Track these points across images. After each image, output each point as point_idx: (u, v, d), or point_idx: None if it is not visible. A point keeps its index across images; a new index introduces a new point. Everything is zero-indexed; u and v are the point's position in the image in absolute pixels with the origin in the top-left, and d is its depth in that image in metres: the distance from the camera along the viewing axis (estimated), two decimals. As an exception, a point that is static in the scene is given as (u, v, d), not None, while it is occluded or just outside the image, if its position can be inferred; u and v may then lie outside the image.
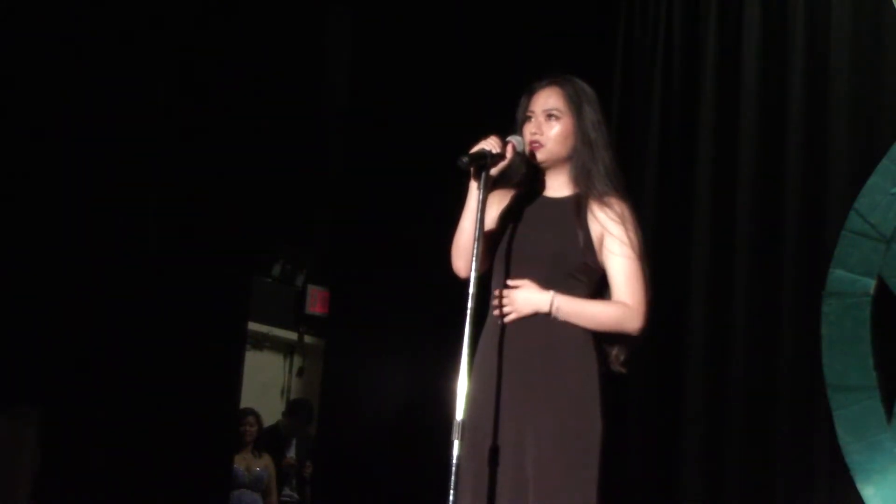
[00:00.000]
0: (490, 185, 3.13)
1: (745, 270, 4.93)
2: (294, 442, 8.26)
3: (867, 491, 4.53)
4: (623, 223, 3.18)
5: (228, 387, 5.52)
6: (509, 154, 3.15)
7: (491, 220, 3.22)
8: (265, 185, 5.70)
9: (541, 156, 3.24)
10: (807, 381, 4.73)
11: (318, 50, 6.15)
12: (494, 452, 3.04)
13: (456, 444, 2.91)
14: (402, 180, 5.47)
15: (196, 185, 5.26)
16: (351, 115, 5.93)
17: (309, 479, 7.56)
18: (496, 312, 3.13)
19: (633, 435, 4.98)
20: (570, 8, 5.43)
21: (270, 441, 8.01)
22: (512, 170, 3.23)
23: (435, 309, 4.63)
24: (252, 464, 7.43)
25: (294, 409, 9.04)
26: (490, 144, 3.12)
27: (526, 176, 3.28)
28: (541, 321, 3.12)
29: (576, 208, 3.20)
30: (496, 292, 3.15)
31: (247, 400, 6.81)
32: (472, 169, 3.10)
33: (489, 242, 3.20)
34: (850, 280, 4.70)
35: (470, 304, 2.98)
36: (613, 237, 3.17)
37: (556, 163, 3.26)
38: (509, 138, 3.20)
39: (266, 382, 10.03)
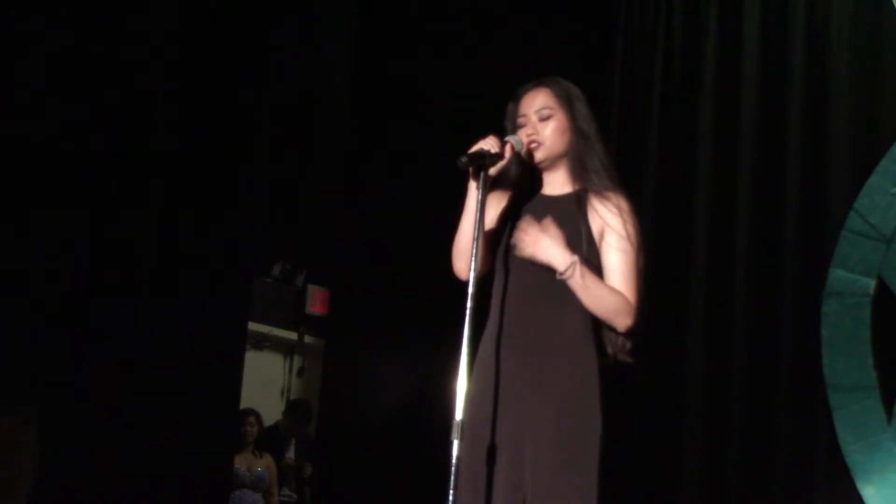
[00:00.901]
0: (489, 185, 3.13)
1: (745, 270, 4.93)
2: (293, 442, 8.26)
3: (867, 491, 4.54)
4: (621, 215, 3.19)
5: (228, 387, 5.52)
6: (508, 154, 3.16)
7: (490, 221, 3.23)
8: (265, 184, 5.70)
9: (540, 155, 3.24)
10: (807, 381, 4.73)
11: (318, 50, 6.15)
12: (492, 451, 3.04)
13: (455, 444, 2.91)
14: (402, 180, 5.47)
15: (196, 185, 5.26)
16: (351, 115, 5.93)
17: (308, 479, 7.56)
18: (513, 241, 3.09)
19: (633, 435, 4.98)
20: (570, 8, 5.43)
21: (270, 441, 8.00)
22: (510, 170, 3.23)
23: (435, 309, 4.62)
24: (253, 464, 7.43)
25: (293, 409, 9.04)
26: (489, 144, 3.12)
27: (523, 175, 3.29)
28: (541, 320, 3.11)
29: (577, 205, 3.21)
30: (522, 224, 3.10)
31: (247, 400, 6.81)
32: (470, 169, 3.10)
33: (489, 243, 3.20)
34: (850, 280, 4.70)
35: (469, 305, 2.98)
36: (612, 230, 3.18)
37: (555, 160, 3.26)
38: (508, 138, 3.20)
39: (266, 382, 10.03)
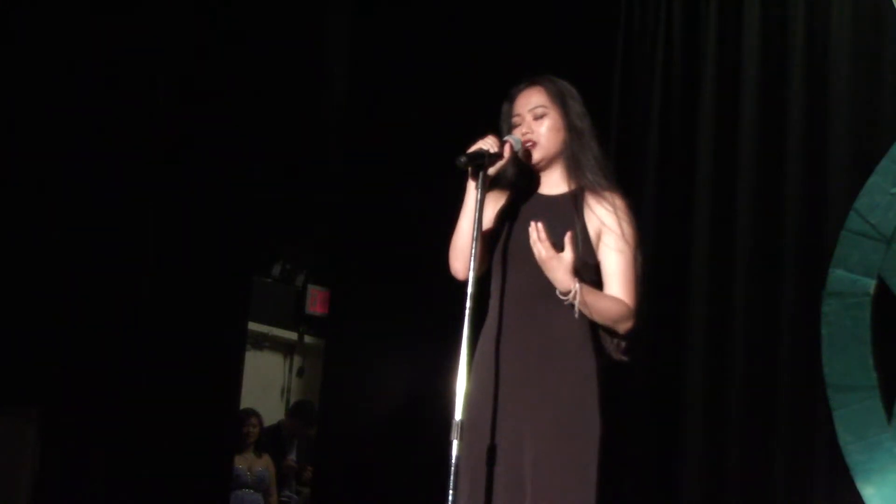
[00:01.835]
0: (487, 185, 3.13)
1: (745, 270, 4.93)
2: (295, 444, 8.25)
3: (867, 491, 4.53)
4: (617, 214, 3.19)
5: (228, 387, 5.53)
6: (507, 153, 3.16)
7: (488, 220, 3.23)
8: (265, 185, 5.70)
9: (537, 154, 3.25)
10: (807, 381, 4.73)
11: (318, 50, 6.15)
12: (492, 452, 3.04)
13: (455, 444, 2.91)
14: (402, 180, 5.47)
15: (196, 185, 5.26)
16: (351, 115, 5.93)
17: (309, 482, 7.55)
18: (532, 237, 3.06)
19: (632, 435, 4.98)
20: (569, 7, 5.42)
21: (271, 441, 8.00)
22: (506, 170, 3.23)
23: (435, 309, 4.63)
24: (254, 464, 7.43)
25: (298, 410, 9.02)
26: (488, 144, 3.12)
27: (520, 175, 3.29)
28: (540, 320, 3.11)
29: (573, 206, 3.21)
30: (538, 224, 3.07)
31: (247, 400, 6.81)
32: (469, 168, 3.10)
33: (487, 242, 3.20)
34: (850, 280, 4.70)
35: (468, 305, 2.98)
36: (608, 229, 3.18)
37: (551, 159, 3.27)
38: (507, 138, 3.20)
39: (266, 382, 10.03)
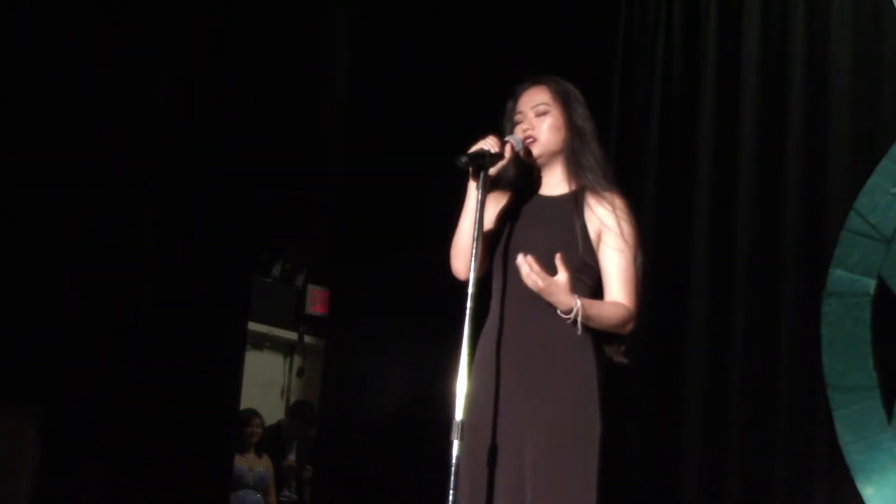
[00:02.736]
0: (488, 185, 3.13)
1: (744, 270, 4.93)
2: (295, 444, 8.25)
3: (867, 491, 4.54)
4: (616, 214, 3.19)
5: (228, 387, 5.53)
6: (508, 153, 3.16)
7: (488, 221, 3.23)
8: (265, 184, 5.70)
9: (536, 150, 3.25)
10: (807, 381, 4.73)
11: (318, 50, 6.15)
12: (493, 452, 3.04)
13: (455, 444, 2.91)
14: (402, 180, 5.47)
15: (196, 185, 5.26)
16: (351, 115, 5.93)
17: (308, 482, 7.56)
18: (524, 271, 3.03)
19: (633, 435, 4.98)
20: (569, 7, 5.42)
21: (271, 442, 8.01)
22: (507, 170, 3.23)
23: (435, 309, 4.62)
24: (255, 464, 7.44)
25: (298, 410, 9.03)
26: (489, 144, 3.13)
27: (521, 175, 3.29)
28: (540, 320, 3.11)
29: (574, 206, 3.21)
30: (527, 257, 3.03)
31: (247, 400, 6.81)
32: (470, 168, 3.10)
33: (488, 243, 3.20)
34: (850, 280, 4.70)
35: (469, 305, 2.98)
36: (608, 230, 3.18)
37: (551, 158, 3.27)
38: (507, 138, 3.21)
39: (266, 382, 10.03)
